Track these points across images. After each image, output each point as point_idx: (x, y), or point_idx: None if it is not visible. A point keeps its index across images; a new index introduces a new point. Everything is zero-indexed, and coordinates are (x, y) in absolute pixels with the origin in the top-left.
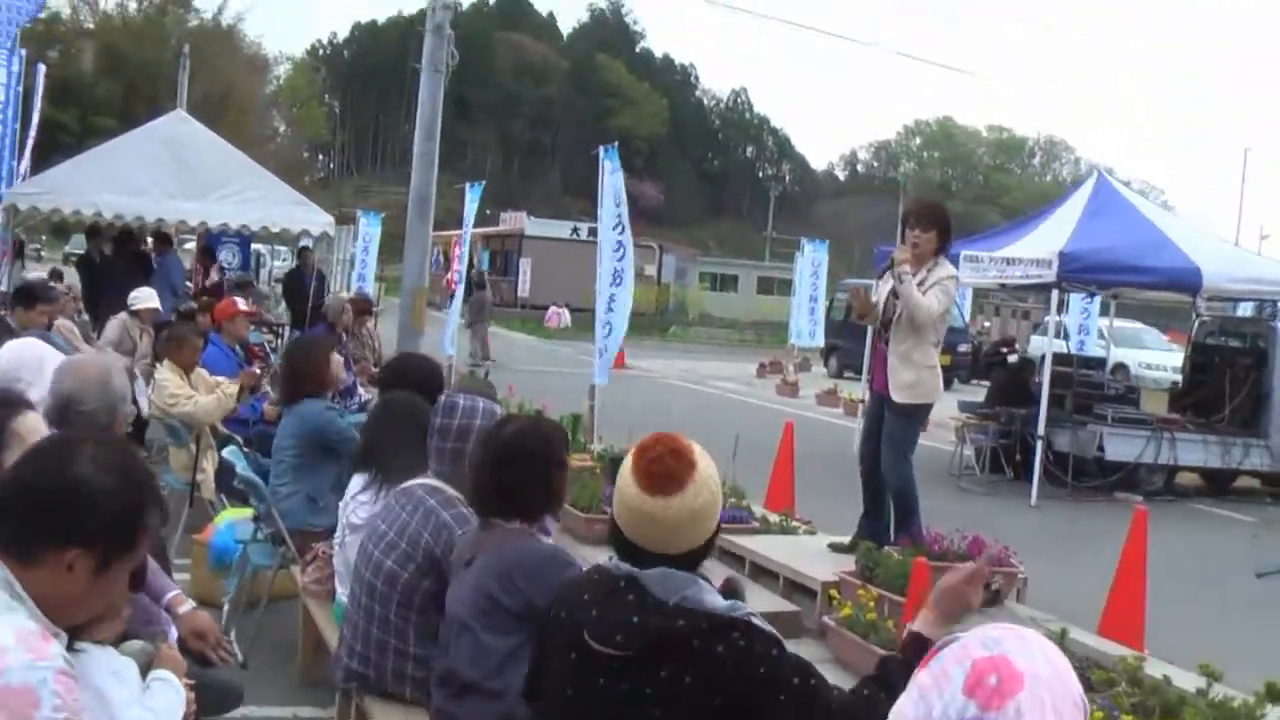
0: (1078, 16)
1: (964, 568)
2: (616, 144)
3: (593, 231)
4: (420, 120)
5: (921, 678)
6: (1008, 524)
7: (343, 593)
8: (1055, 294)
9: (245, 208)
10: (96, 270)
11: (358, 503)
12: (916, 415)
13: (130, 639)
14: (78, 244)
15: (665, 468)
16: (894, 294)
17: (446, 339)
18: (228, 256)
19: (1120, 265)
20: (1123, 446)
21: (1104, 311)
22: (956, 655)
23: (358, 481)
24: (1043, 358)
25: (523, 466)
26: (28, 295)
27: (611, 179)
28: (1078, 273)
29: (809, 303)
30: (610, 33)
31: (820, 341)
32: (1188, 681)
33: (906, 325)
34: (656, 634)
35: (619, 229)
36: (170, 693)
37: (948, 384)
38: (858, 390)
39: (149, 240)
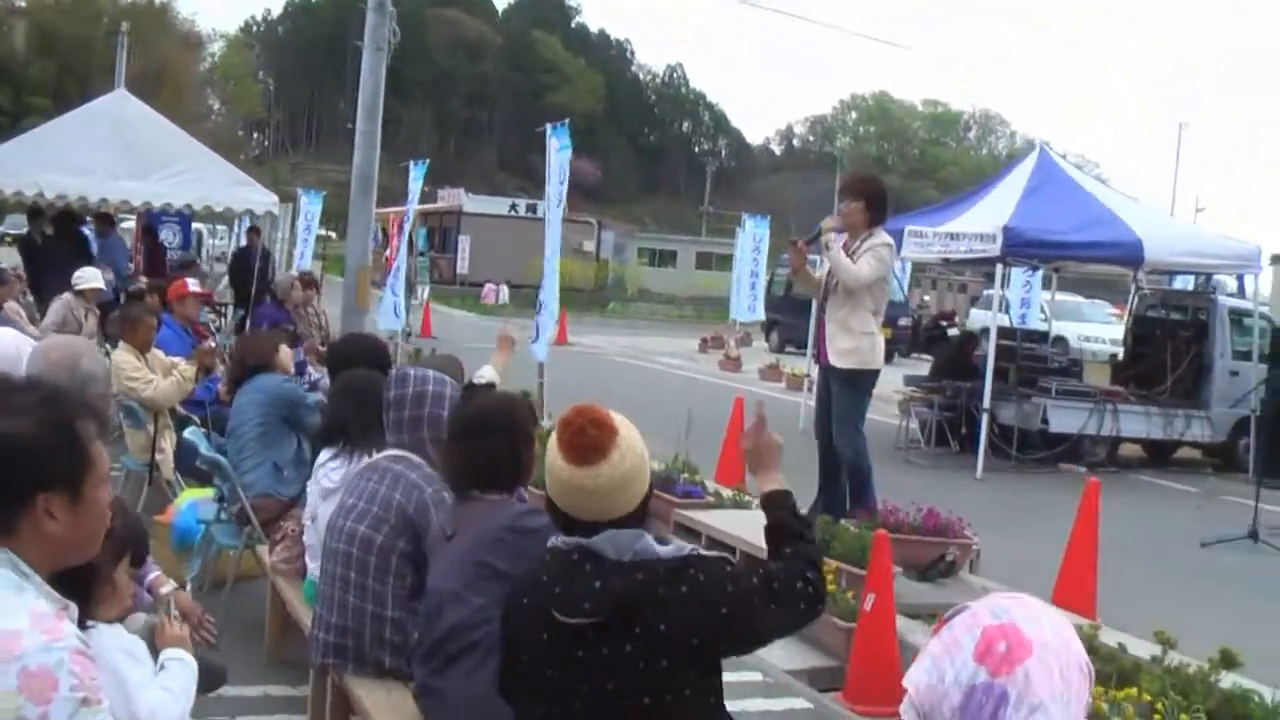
0: None
1: (752, 430)
2: (566, 121)
3: (531, 208)
4: (362, 99)
5: (932, 646)
6: (955, 496)
7: (314, 568)
8: (999, 268)
9: (189, 187)
10: (38, 251)
11: (328, 469)
12: (860, 383)
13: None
14: (13, 224)
15: (588, 439)
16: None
17: (390, 315)
18: (168, 236)
19: (1063, 240)
20: (1066, 419)
21: (1045, 285)
22: (966, 623)
23: (326, 453)
24: (986, 331)
25: (494, 438)
26: None
27: (558, 156)
28: (1022, 247)
29: (750, 278)
30: (546, 9)
31: (761, 316)
32: (1142, 650)
33: (842, 293)
34: (621, 593)
35: (561, 207)
36: (186, 672)
37: (888, 358)
38: (801, 365)
39: (89, 220)
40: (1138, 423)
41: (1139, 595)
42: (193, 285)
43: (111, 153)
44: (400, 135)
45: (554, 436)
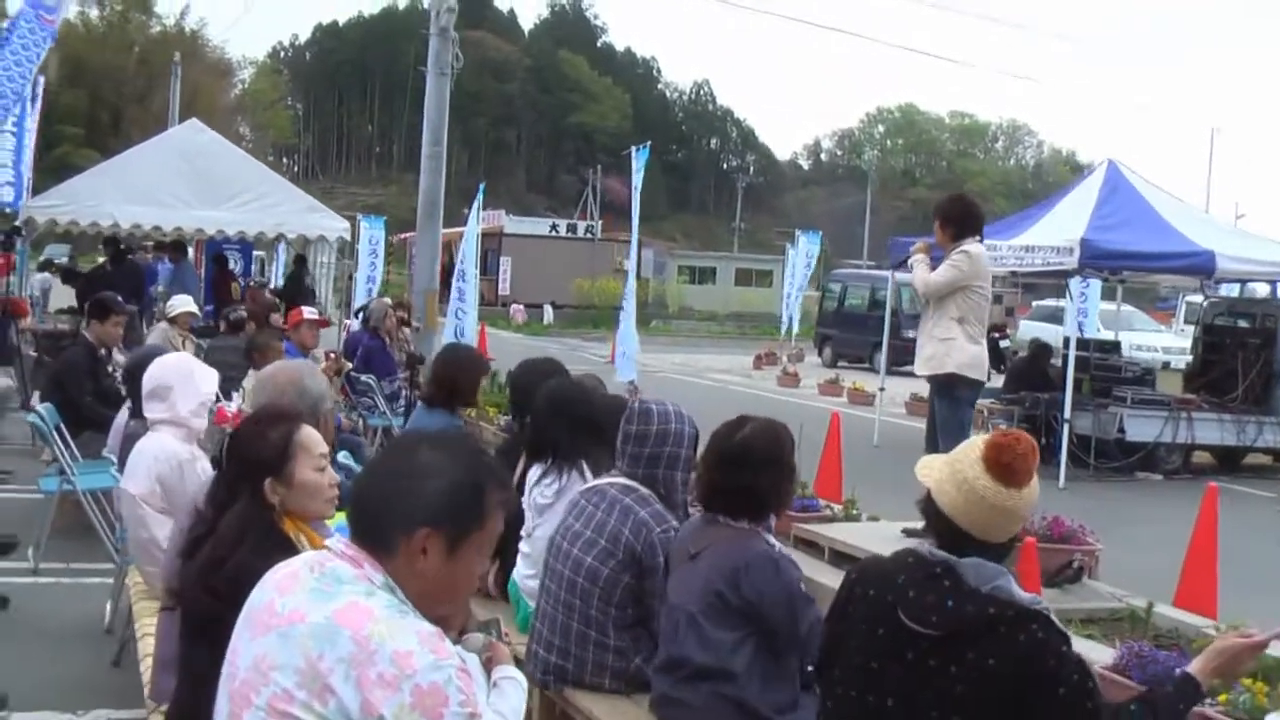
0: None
1: (1251, 638)
2: (648, 144)
3: (571, 228)
4: (427, 122)
5: None
6: (1043, 505)
7: (531, 582)
8: (1085, 281)
9: (262, 214)
10: (102, 280)
11: (541, 486)
12: (954, 393)
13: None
14: (54, 253)
15: (1026, 464)
16: None
17: (453, 337)
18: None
19: (1139, 252)
20: (1142, 427)
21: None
22: None
23: (536, 470)
24: (1065, 342)
25: (757, 468)
26: (103, 308)
27: (638, 178)
28: (1098, 259)
29: (798, 293)
30: (571, 28)
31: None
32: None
33: (932, 304)
34: (969, 619)
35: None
36: (519, 692)
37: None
38: (860, 379)
39: (148, 248)
40: (1211, 430)
41: (1250, 596)
42: (309, 313)
43: (184, 182)
44: None
45: (978, 452)
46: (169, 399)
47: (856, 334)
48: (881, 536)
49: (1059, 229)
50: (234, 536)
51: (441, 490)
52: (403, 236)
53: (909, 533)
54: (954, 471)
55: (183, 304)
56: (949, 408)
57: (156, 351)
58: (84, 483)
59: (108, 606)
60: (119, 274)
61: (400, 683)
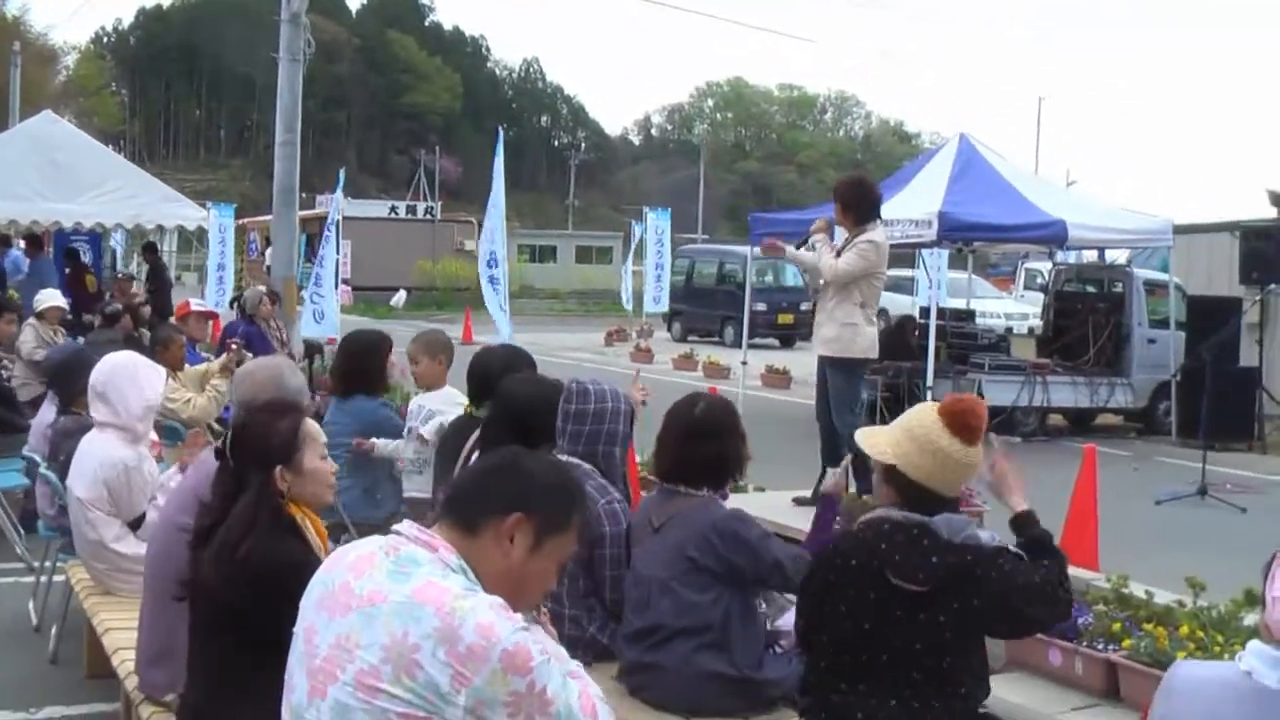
0: None
1: (996, 465)
2: (502, 129)
3: (410, 210)
4: (280, 110)
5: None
6: None
7: None
8: (933, 252)
9: (118, 206)
10: None
11: None
12: (849, 370)
13: None
14: None
15: (979, 420)
16: None
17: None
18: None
19: (994, 224)
20: (1001, 392)
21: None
22: None
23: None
24: (923, 312)
25: (721, 436)
26: None
27: (498, 162)
28: (955, 231)
29: (655, 270)
30: (399, 8)
31: (665, 307)
32: (1162, 599)
33: (833, 286)
34: (951, 569)
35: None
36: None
37: (789, 342)
38: (714, 353)
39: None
40: (1065, 393)
41: (1122, 550)
42: (196, 305)
43: (40, 174)
44: (260, 141)
45: (934, 417)
46: (112, 403)
47: (706, 309)
48: (773, 506)
49: (916, 202)
50: (245, 523)
51: (542, 486)
52: (241, 222)
53: (799, 501)
54: (919, 442)
55: (49, 298)
56: (846, 383)
57: (78, 349)
58: None
59: (30, 606)
60: None
61: (488, 651)
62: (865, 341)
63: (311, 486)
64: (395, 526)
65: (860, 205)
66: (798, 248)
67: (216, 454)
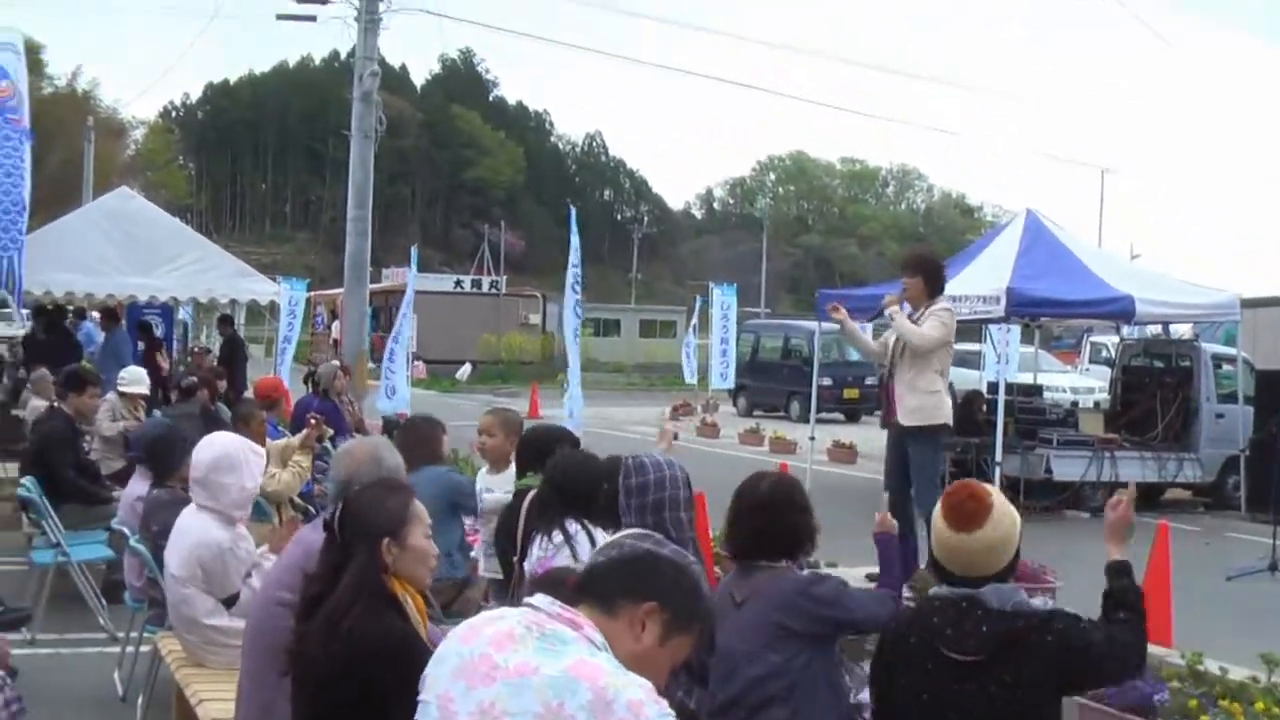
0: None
1: (1118, 506)
2: (573, 206)
3: (475, 284)
4: (352, 186)
5: None
6: None
7: None
8: (1002, 327)
9: (194, 280)
10: (38, 348)
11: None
12: (933, 439)
13: None
14: None
15: (968, 510)
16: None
17: (384, 398)
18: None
19: (1063, 299)
20: (1069, 467)
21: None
22: None
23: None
24: (990, 387)
25: (786, 510)
26: (79, 381)
27: (575, 239)
28: (1024, 306)
29: (720, 345)
30: (464, 83)
31: (731, 383)
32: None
33: (909, 356)
34: (1003, 636)
35: (576, 287)
36: None
37: (855, 417)
38: (780, 428)
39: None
40: (1134, 467)
41: (1198, 626)
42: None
43: (116, 249)
44: (325, 214)
45: (940, 509)
46: (213, 491)
47: (772, 383)
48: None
49: (984, 277)
50: (351, 595)
51: (678, 582)
52: (308, 295)
53: (872, 577)
54: (934, 529)
55: (136, 382)
56: (930, 454)
57: (169, 425)
58: (78, 554)
59: (116, 675)
60: (52, 342)
61: None
62: (947, 408)
63: (414, 563)
64: (530, 600)
65: (937, 277)
66: (871, 319)
67: (324, 526)
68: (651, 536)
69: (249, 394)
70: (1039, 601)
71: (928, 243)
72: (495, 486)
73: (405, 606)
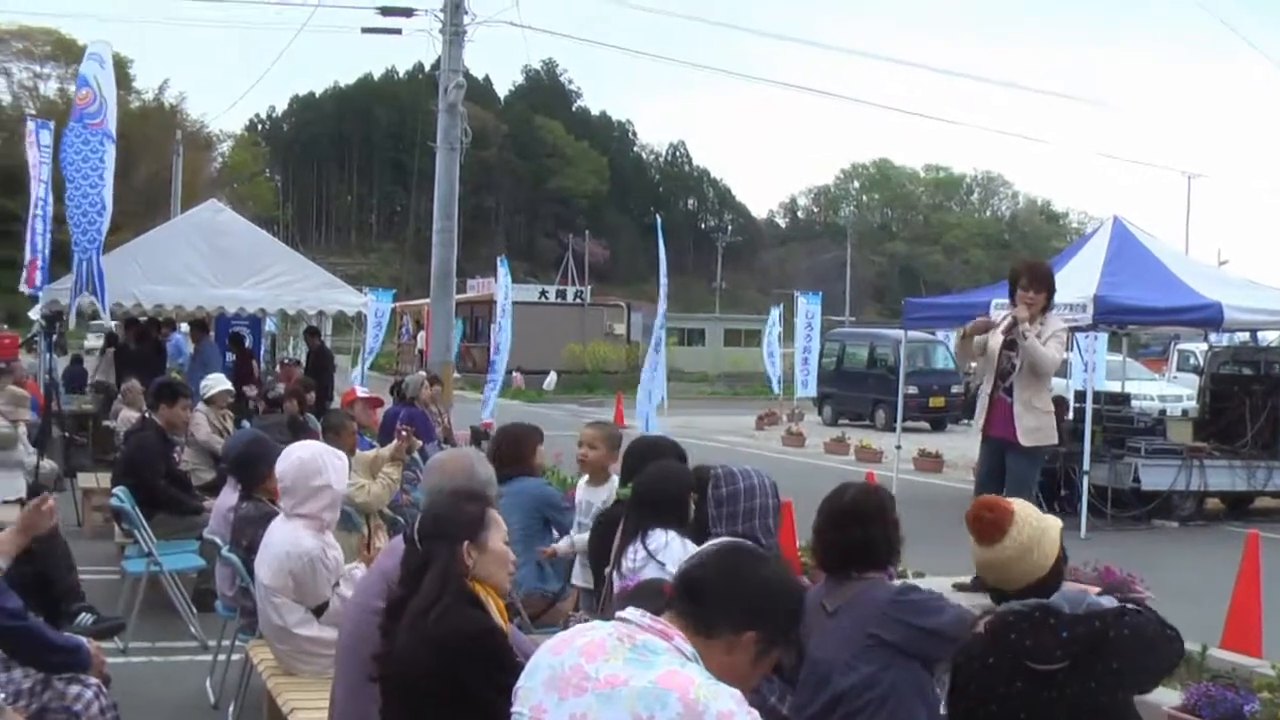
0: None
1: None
2: (659, 216)
3: (560, 294)
4: (438, 198)
5: None
6: (1070, 556)
7: None
8: (1089, 335)
9: (282, 291)
10: (127, 358)
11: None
12: (1039, 456)
13: None
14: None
15: (985, 522)
16: (1007, 347)
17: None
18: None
19: (1151, 307)
20: (1158, 476)
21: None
22: None
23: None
24: (1078, 396)
25: (869, 522)
26: (171, 392)
27: (662, 250)
28: (1111, 314)
29: (803, 354)
30: (547, 93)
31: (813, 391)
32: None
33: (1028, 374)
34: (1084, 639)
35: (663, 298)
36: None
37: (940, 425)
38: (867, 437)
39: (185, 327)
40: (1223, 476)
41: None
42: (361, 391)
43: (205, 261)
44: (410, 225)
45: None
46: (299, 496)
47: (857, 392)
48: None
49: (1071, 286)
50: (435, 592)
51: (780, 607)
52: (393, 306)
53: (959, 587)
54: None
55: (217, 383)
56: (1030, 470)
57: (257, 436)
58: (170, 564)
59: (207, 683)
60: (141, 353)
61: None
62: (1055, 428)
63: (493, 566)
64: (621, 614)
65: (1052, 289)
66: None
67: (405, 538)
68: (752, 551)
69: (336, 404)
70: (1107, 601)
71: (1012, 249)
72: (594, 499)
73: (487, 606)
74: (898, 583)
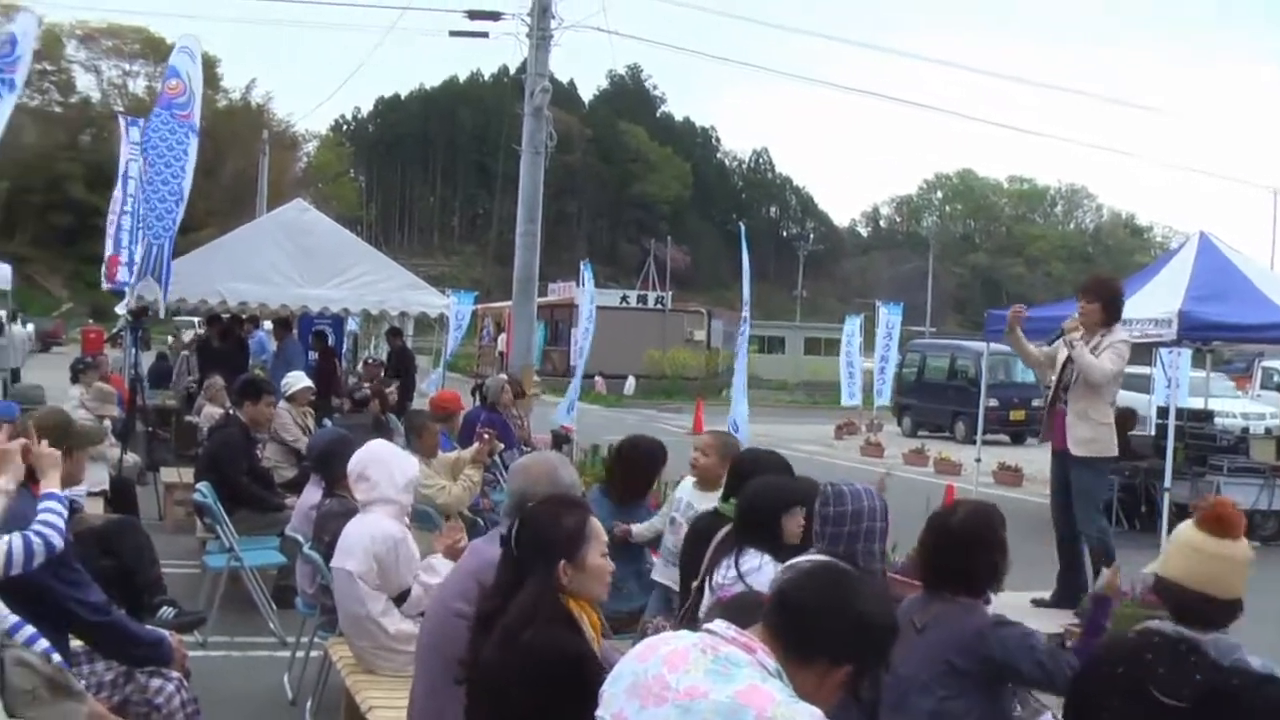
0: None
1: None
2: (742, 225)
3: (641, 299)
4: (522, 201)
5: None
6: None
7: None
8: (1173, 351)
9: (365, 291)
10: (211, 355)
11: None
12: (1099, 468)
13: None
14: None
15: (1231, 512)
16: (1069, 359)
17: (564, 412)
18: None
19: (1238, 323)
20: (1239, 494)
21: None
22: None
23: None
24: (1160, 412)
25: (970, 550)
26: (255, 390)
27: (745, 258)
28: (1196, 330)
29: (880, 363)
30: (631, 98)
31: (888, 400)
32: None
33: (1083, 386)
34: (1215, 691)
35: (747, 305)
36: None
37: (1021, 439)
38: (945, 449)
39: (268, 324)
40: None
41: None
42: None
43: (289, 260)
44: (492, 228)
45: (1193, 522)
46: (374, 479)
47: (937, 403)
48: (1012, 607)
49: (1155, 300)
50: (527, 613)
51: (874, 636)
52: (474, 308)
53: (1038, 603)
54: (1176, 545)
55: (298, 380)
56: (1095, 482)
57: (341, 434)
58: (250, 559)
59: (285, 679)
60: (225, 350)
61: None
62: (1115, 440)
63: (591, 583)
64: (708, 625)
65: (1115, 304)
66: (1049, 343)
67: (501, 541)
68: (854, 578)
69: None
70: (1256, 662)
71: (1095, 262)
72: (696, 502)
73: (581, 624)
74: (992, 613)
